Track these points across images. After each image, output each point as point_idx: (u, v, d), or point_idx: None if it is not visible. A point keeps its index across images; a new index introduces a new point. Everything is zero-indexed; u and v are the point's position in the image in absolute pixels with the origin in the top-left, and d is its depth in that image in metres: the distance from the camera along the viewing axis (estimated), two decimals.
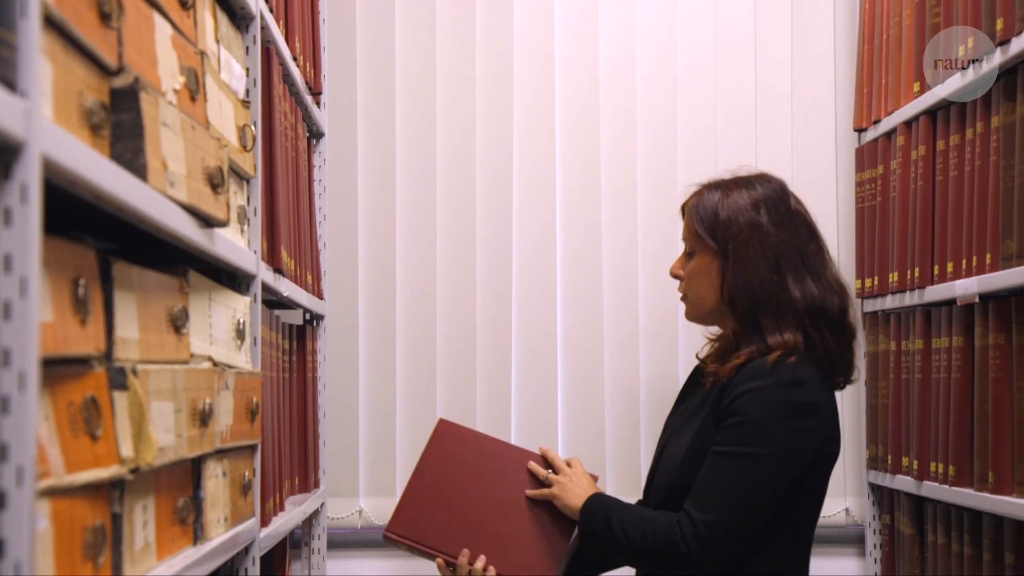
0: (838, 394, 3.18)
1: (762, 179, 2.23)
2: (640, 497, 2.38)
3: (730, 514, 2.03)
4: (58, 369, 1.12)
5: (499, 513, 2.29)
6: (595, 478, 2.30)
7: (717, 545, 2.03)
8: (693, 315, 2.27)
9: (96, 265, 1.24)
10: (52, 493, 1.07)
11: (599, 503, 2.19)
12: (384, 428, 3.28)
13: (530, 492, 2.28)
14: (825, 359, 2.13)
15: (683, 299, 2.28)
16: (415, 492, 2.32)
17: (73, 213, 1.28)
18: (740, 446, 2.05)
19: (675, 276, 2.28)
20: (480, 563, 2.22)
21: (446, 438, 2.36)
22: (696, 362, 2.34)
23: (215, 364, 1.68)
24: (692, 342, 2.39)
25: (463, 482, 2.31)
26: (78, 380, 1.17)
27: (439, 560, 2.26)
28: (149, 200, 1.32)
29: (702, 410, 2.16)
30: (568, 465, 2.29)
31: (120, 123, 1.28)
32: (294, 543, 3.04)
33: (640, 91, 3.33)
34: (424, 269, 3.31)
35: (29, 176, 1.00)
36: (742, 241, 2.14)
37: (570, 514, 2.23)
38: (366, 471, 3.27)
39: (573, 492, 2.23)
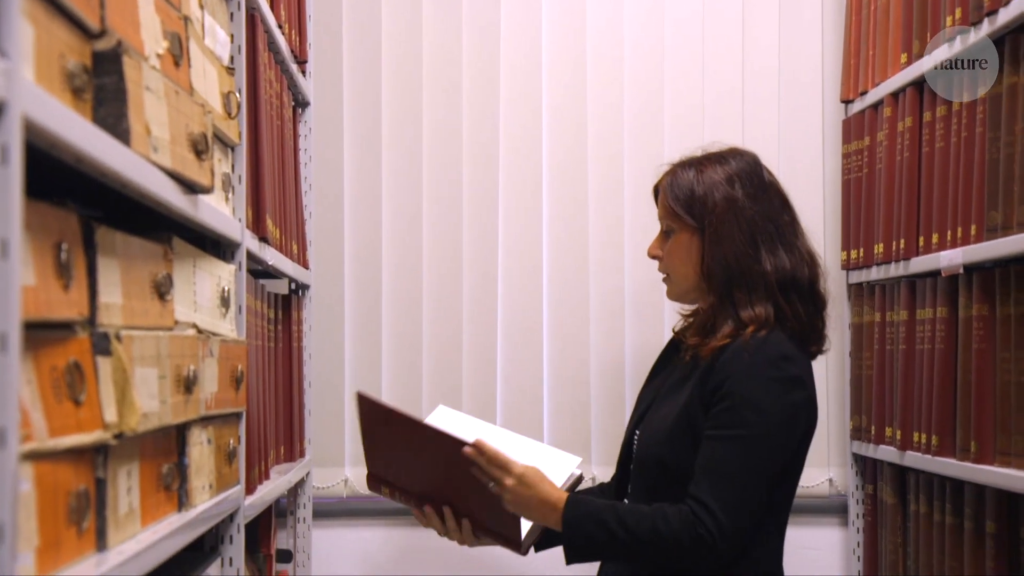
0: (822, 365, 3.20)
1: (735, 154, 2.24)
2: (614, 471, 2.38)
3: (745, 497, 2.03)
4: (41, 334, 1.12)
5: (451, 487, 2.21)
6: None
7: (738, 529, 2.02)
8: (676, 294, 2.28)
9: (79, 230, 1.24)
10: (35, 457, 1.07)
11: (580, 509, 2.09)
12: None
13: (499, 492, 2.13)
14: (798, 330, 2.14)
15: (665, 280, 2.28)
16: (371, 455, 2.31)
17: (56, 181, 1.28)
18: (738, 428, 2.05)
19: (654, 257, 2.28)
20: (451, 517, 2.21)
21: (371, 415, 2.26)
22: (659, 341, 2.35)
23: (200, 331, 1.68)
24: (677, 316, 2.40)
25: (406, 458, 2.26)
26: (61, 345, 1.17)
27: (415, 511, 2.27)
28: (132, 165, 1.31)
29: (685, 387, 2.16)
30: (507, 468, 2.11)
31: (103, 87, 1.27)
32: (280, 512, 3.04)
33: (627, 59, 3.32)
34: (410, 240, 3.30)
35: (10, 137, 0.99)
36: (718, 216, 2.15)
37: (545, 524, 2.14)
38: (352, 441, 3.27)
39: (531, 504, 2.10)
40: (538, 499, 2.10)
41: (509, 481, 2.09)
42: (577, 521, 2.08)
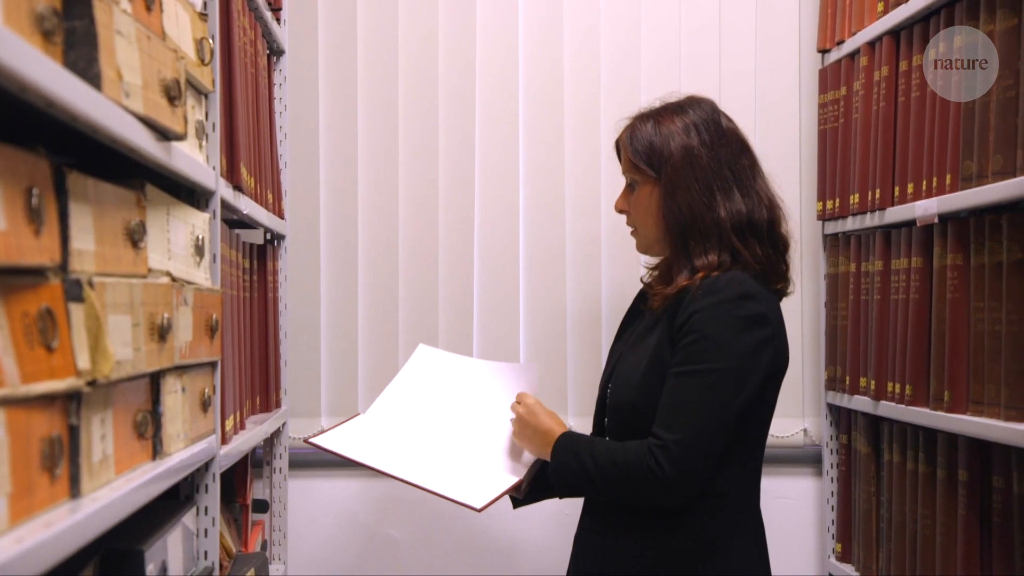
0: (797, 316, 3.21)
1: (692, 103, 2.25)
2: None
3: (700, 432, 2.04)
4: (12, 279, 1.11)
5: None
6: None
7: (691, 464, 2.04)
8: (644, 247, 2.30)
9: (50, 175, 1.22)
10: (7, 403, 1.06)
11: (567, 440, 2.20)
12: (346, 348, 3.28)
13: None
14: (760, 272, 2.15)
15: (633, 233, 2.30)
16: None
17: (27, 127, 1.26)
18: (699, 364, 2.06)
19: (621, 211, 2.30)
20: None
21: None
22: (637, 290, 2.40)
23: (174, 279, 1.67)
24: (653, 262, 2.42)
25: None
26: (33, 291, 1.16)
27: None
28: (104, 109, 1.29)
29: (653, 332, 2.17)
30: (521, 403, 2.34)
31: (73, 30, 1.25)
32: (256, 463, 3.05)
33: (603, 10, 3.30)
34: (386, 188, 3.29)
35: None
36: (675, 165, 2.17)
37: (540, 455, 2.27)
38: (328, 391, 3.28)
39: (535, 431, 2.27)
40: (544, 426, 2.26)
41: (535, 407, 2.29)
42: (561, 451, 2.19)
